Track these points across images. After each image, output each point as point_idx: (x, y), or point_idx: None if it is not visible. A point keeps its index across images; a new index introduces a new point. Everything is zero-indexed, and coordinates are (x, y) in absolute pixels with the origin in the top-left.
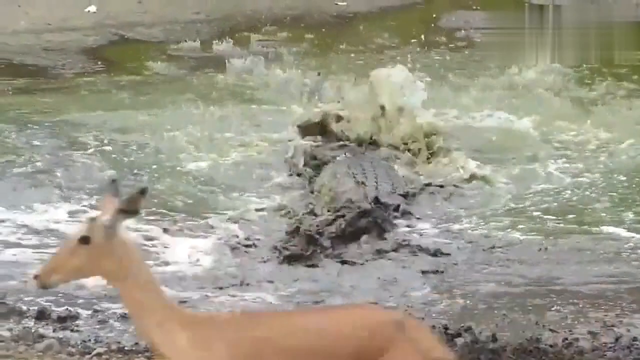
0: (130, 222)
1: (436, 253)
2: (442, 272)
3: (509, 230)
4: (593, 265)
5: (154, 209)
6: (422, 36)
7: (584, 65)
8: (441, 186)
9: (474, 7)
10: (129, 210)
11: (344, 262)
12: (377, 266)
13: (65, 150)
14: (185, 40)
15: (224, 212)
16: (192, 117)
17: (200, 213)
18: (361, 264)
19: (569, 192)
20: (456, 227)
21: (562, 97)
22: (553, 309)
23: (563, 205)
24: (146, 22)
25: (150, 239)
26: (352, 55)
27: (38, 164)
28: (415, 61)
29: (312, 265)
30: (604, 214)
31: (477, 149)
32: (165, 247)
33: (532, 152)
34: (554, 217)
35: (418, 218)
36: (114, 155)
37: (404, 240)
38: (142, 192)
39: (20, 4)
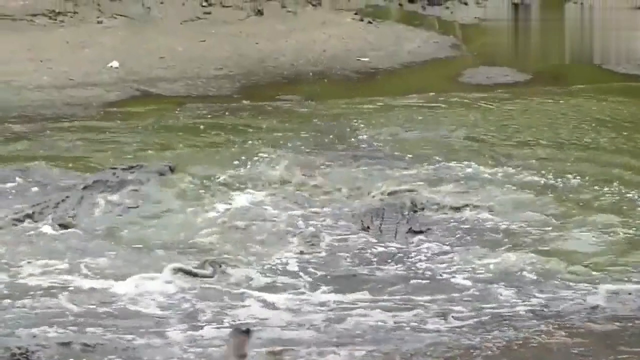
0: None
1: None
2: None
3: None
4: None
5: None
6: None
7: None
8: None
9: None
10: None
11: None
12: None
13: None
14: (207, 96)
15: None
16: None
17: None
18: None
19: None
20: None
21: None
22: None
23: None
24: (168, 78)
25: None
26: (370, 109)
27: None
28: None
29: None
30: None
31: None
32: None
33: None
34: None
35: None
36: None
37: None
38: (247, 332)
39: (42, 59)
